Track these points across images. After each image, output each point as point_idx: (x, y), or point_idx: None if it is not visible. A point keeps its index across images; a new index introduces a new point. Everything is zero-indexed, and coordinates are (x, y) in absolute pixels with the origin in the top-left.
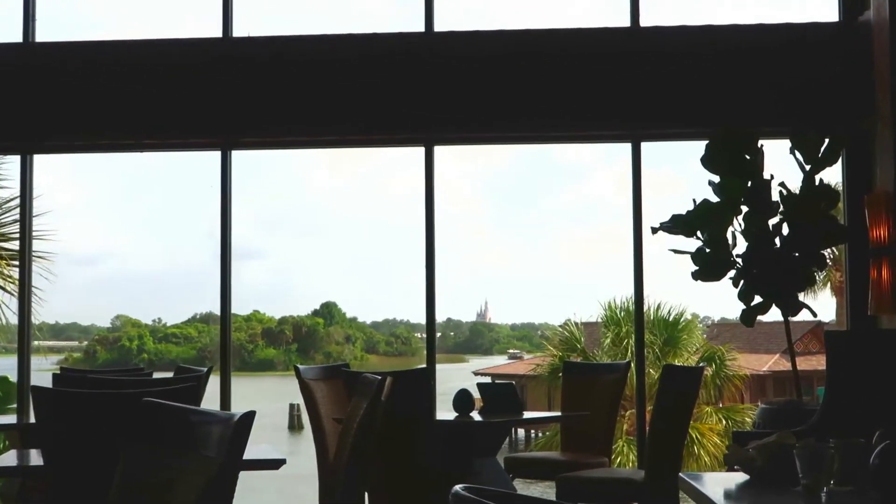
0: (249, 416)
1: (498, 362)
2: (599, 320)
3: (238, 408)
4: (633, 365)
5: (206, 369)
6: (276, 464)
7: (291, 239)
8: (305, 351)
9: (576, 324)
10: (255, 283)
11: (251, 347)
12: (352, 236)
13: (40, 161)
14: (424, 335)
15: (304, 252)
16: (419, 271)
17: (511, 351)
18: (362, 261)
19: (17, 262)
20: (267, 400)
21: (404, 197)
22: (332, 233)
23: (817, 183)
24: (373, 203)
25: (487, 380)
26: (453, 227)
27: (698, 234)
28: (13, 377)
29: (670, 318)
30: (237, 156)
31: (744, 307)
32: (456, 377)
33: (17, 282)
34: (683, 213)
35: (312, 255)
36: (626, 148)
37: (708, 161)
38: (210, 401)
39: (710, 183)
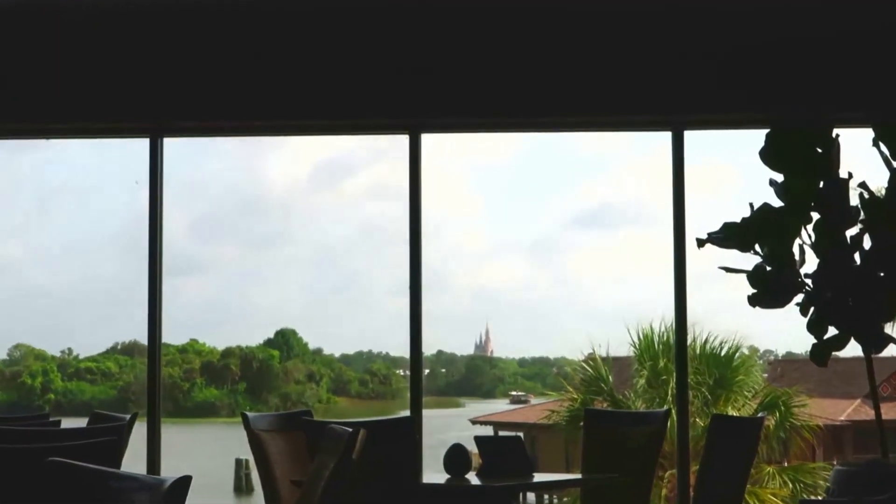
0: (184, 483)
1: (502, 408)
2: (632, 354)
3: (170, 466)
4: (674, 413)
5: (129, 416)
6: None
7: (240, 249)
8: (256, 392)
9: (602, 358)
10: (193, 304)
11: (187, 387)
12: (317, 246)
13: None
14: (408, 372)
15: (255, 266)
16: (402, 290)
17: (514, 393)
18: (330, 277)
19: None
20: (207, 455)
21: (384, 197)
22: (292, 241)
23: None
24: (344, 205)
25: (489, 431)
26: (446, 234)
27: (756, 247)
28: None
29: (722, 354)
30: (170, 144)
31: (815, 341)
32: (449, 427)
33: None
34: (737, 220)
35: (266, 270)
36: (666, 138)
37: (768, 155)
38: (134, 457)
39: (772, 183)
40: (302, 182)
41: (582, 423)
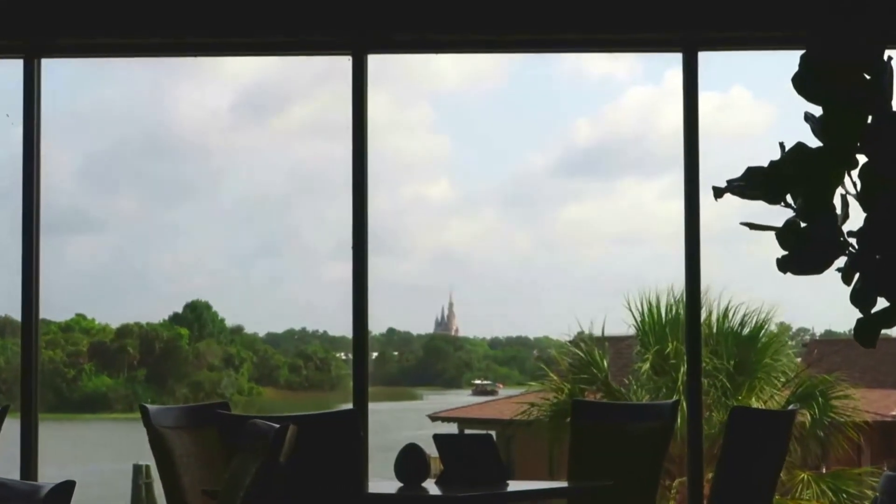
0: (66, 489)
1: (468, 400)
2: (632, 333)
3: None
4: (684, 405)
5: None
6: None
7: (141, 201)
8: (159, 380)
9: (595, 339)
10: (81, 271)
11: (72, 374)
12: (239, 198)
13: None
14: (351, 356)
15: (160, 222)
16: (344, 253)
17: (479, 382)
18: (254, 236)
19: None
20: (98, 459)
21: (323, 136)
22: (208, 192)
23: None
24: (274, 146)
25: (452, 429)
26: (401, 183)
27: (788, 198)
28: None
29: (744, 332)
30: (51, 68)
31: (860, 316)
32: (402, 424)
33: None
34: (764, 165)
35: (174, 228)
36: (676, 61)
37: (803, 83)
38: (6, 461)
39: (808, 117)
40: (221, 117)
41: (569, 419)
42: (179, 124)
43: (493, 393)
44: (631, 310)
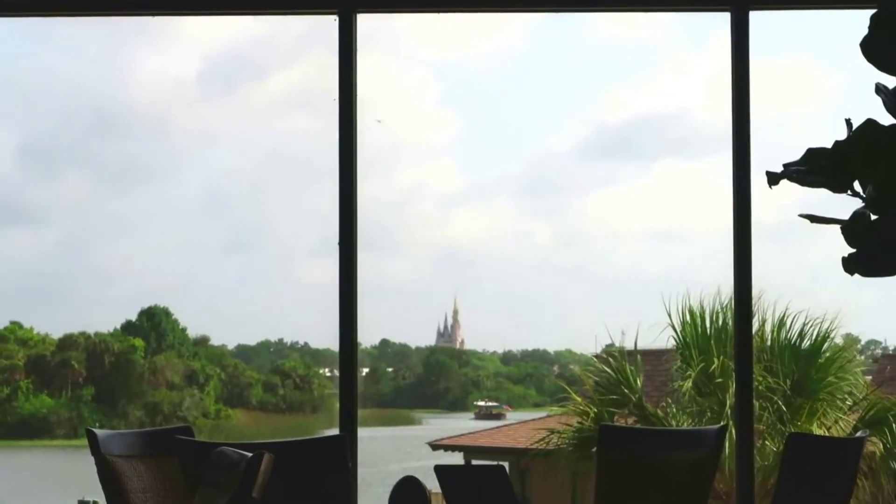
0: None
1: (476, 425)
2: (671, 346)
3: None
4: (732, 432)
5: None
6: None
7: (90, 186)
8: (110, 400)
9: (627, 353)
10: (17, 270)
11: (5, 393)
12: (206, 184)
13: None
14: (337, 373)
15: (112, 212)
16: (329, 250)
17: (482, 403)
18: (223, 230)
19: None
20: (37, 493)
21: (305, 110)
22: (169, 176)
23: None
24: (247, 122)
25: (457, 459)
26: (398, 167)
27: (856, 185)
28: None
29: (803, 345)
30: None
31: None
32: (398, 453)
33: None
34: (828, 145)
35: (129, 219)
36: (724, 22)
37: (874, 47)
38: None
39: (880, 89)
40: (184, 88)
41: (595, 448)
42: (135, 97)
43: (499, 417)
44: (670, 318)
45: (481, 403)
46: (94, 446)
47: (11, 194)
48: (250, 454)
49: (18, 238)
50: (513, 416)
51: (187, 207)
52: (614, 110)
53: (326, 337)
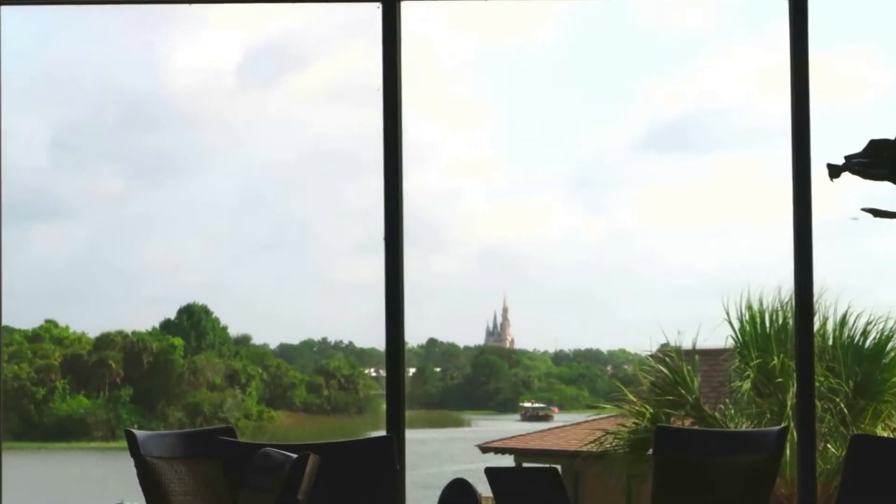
0: None
1: (528, 427)
2: (730, 345)
3: None
4: (793, 434)
5: None
6: None
7: (125, 181)
8: (148, 401)
9: (683, 352)
10: (50, 267)
11: (41, 394)
12: (245, 177)
13: None
14: (383, 373)
15: (148, 207)
16: (374, 246)
17: (528, 405)
18: (263, 225)
19: None
20: (73, 497)
21: (348, 101)
22: (207, 169)
23: None
24: (288, 114)
25: (508, 462)
26: (444, 161)
27: None
28: None
29: (866, 344)
30: (10, 16)
31: None
32: (446, 455)
33: None
34: (891, 137)
35: (165, 213)
36: (780, 7)
37: None
38: None
39: None
40: (224, 79)
41: (651, 450)
42: (171, 88)
43: (547, 418)
44: (728, 316)
45: (528, 405)
46: (134, 447)
47: (44, 189)
48: (295, 455)
49: (52, 234)
50: (563, 418)
51: (227, 202)
52: (669, 101)
53: (372, 336)
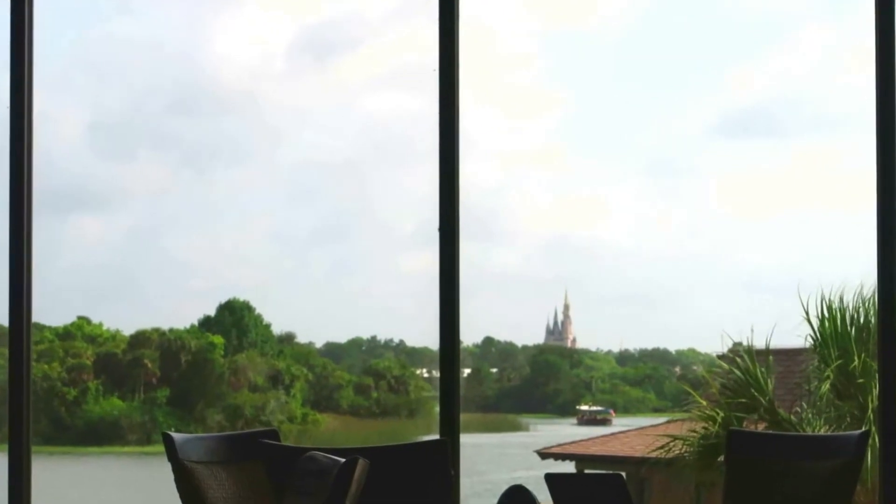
0: None
1: (589, 432)
2: (808, 345)
3: None
4: (875, 439)
5: None
6: None
7: (166, 169)
8: (186, 403)
9: (756, 352)
10: (85, 261)
11: (73, 394)
12: (292, 164)
13: None
14: (436, 374)
15: (190, 197)
16: (426, 237)
17: (585, 408)
18: (311, 216)
19: None
20: (111, 502)
21: (401, 85)
22: (252, 157)
23: None
24: (337, 98)
25: (569, 468)
26: (503, 148)
27: None
28: None
29: None
30: None
31: None
32: (503, 461)
33: None
34: None
35: (209, 204)
36: None
37: None
38: None
39: None
40: (272, 62)
41: (723, 456)
42: (218, 71)
43: (605, 422)
44: (806, 313)
45: (584, 408)
46: (172, 451)
47: (81, 177)
48: (343, 460)
49: (88, 225)
50: (628, 422)
51: (273, 192)
52: (746, 85)
53: (424, 334)
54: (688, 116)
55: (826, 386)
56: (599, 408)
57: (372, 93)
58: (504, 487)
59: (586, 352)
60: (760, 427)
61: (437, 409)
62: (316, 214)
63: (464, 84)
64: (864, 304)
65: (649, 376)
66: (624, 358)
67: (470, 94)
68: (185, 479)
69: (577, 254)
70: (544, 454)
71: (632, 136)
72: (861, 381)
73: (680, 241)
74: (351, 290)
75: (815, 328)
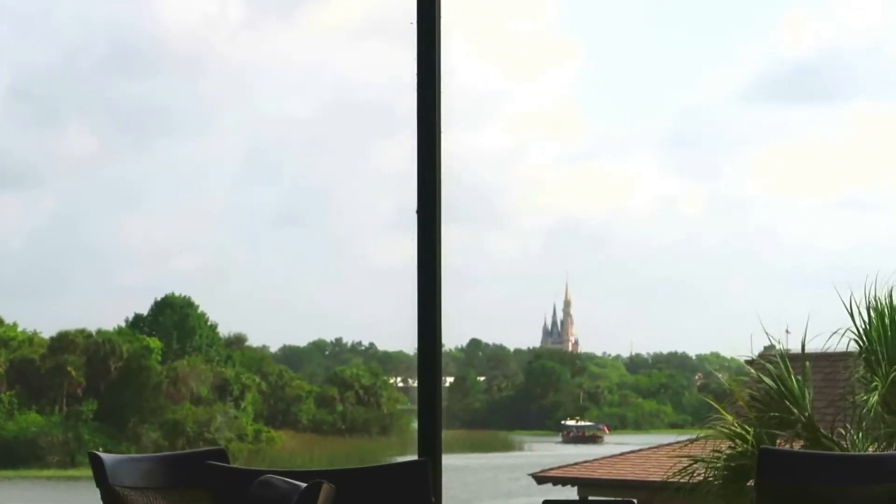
0: None
1: (594, 451)
2: (853, 349)
3: None
4: None
5: None
6: None
7: (101, 140)
8: (117, 417)
9: (790, 357)
10: (3, 249)
11: None
12: (248, 134)
13: None
14: (414, 383)
15: (125, 171)
16: (403, 221)
17: (571, 423)
18: (265, 193)
19: None
20: None
21: (374, 39)
22: (202, 126)
23: None
24: (302, 57)
25: (571, 494)
26: (496, 116)
27: None
28: None
29: None
30: None
31: None
32: (493, 486)
33: None
34: None
35: (146, 179)
36: None
37: None
38: None
39: None
40: (224, 15)
41: (753, 482)
42: (161, 24)
43: (595, 440)
44: (850, 312)
45: (571, 423)
46: (101, 475)
47: None
48: (304, 485)
49: (3, 207)
50: (641, 440)
51: (225, 168)
52: (793, 39)
53: (399, 336)
54: (725, 77)
55: (874, 398)
56: (588, 423)
57: (344, 47)
58: None
59: (590, 357)
60: (797, 446)
61: (415, 424)
62: (273, 194)
63: (457, 37)
64: None
65: (665, 386)
66: (635, 364)
67: (466, 49)
68: None
69: (584, 240)
70: (541, 478)
71: (657, 97)
72: None
73: (707, 223)
74: (314, 284)
75: (861, 330)
